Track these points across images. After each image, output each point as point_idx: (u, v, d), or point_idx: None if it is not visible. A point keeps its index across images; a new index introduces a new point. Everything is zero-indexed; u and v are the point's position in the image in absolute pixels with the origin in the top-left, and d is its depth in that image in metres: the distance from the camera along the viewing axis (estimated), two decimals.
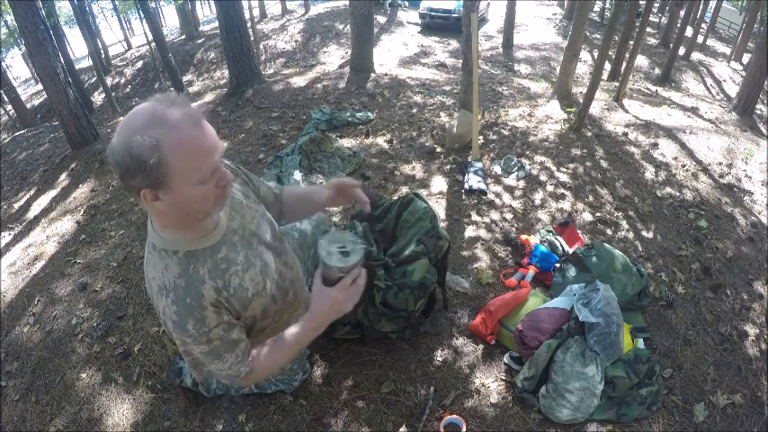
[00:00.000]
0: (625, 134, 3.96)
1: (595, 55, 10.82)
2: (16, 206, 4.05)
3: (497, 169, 3.36)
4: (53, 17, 8.74)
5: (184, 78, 11.38)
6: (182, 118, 0.85)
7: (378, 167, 3.44)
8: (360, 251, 1.09)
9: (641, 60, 10.96)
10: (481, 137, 3.80)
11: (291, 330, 1.15)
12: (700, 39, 13.70)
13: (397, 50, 11.14)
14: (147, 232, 1.04)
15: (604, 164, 3.46)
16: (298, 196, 1.46)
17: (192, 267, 1.01)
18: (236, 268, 1.09)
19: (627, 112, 4.58)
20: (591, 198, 3.06)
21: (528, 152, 3.60)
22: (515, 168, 3.34)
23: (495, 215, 2.87)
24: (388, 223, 1.97)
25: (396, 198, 2.06)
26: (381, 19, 13.57)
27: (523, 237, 2.58)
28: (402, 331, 1.87)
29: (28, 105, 12.04)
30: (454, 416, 1.71)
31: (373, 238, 1.93)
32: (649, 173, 3.41)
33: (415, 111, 4.60)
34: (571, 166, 3.41)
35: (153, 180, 0.86)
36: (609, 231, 2.78)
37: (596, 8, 15.33)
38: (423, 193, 3.10)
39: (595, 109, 4.45)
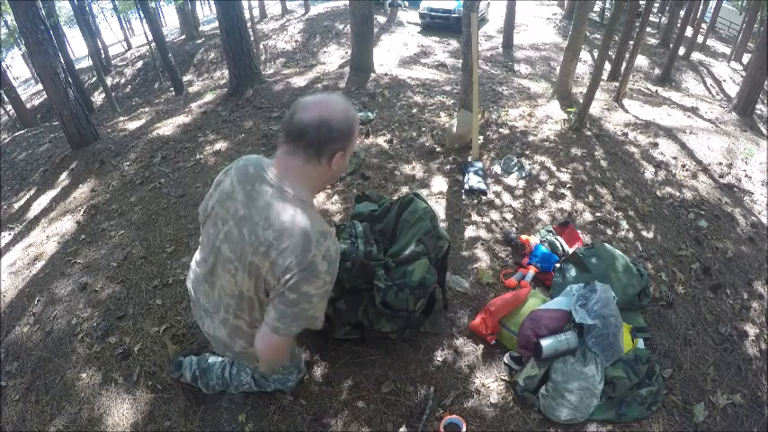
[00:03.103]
0: (625, 134, 3.96)
1: (595, 55, 10.82)
2: (16, 206, 4.05)
3: (497, 169, 3.36)
4: (53, 17, 8.74)
5: (184, 78, 11.38)
6: (355, 111, 1.20)
7: (378, 167, 3.44)
8: None
9: (641, 60, 10.96)
10: (481, 137, 3.80)
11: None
12: (700, 39, 13.71)
13: (397, 50, 11.14)
14: (286, 193, 1.16)
15: (604, 164, 3.46)
16: None
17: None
18: None
19: (627, 112, 4.58)
20: (591, 198, 3.06)
21: (528, 152, 3.60)
22: (515, 168, 3.34)
23: (495, 215, 2.87)
24: (388, 223, 1.97)
25: (396, 198, 2.06)
26: (381, 19, 13.57)
27: (523, 237, 2.58)
28: (402, 331, 1.88)
29: (28, 105, 12.04)
30: (454, 416, 1.71)
31: (373, 239, 1.93)
32: (649, 173, 3.41)
33: (415, 111, 4.60)
34: (571, 165, 3.41)
35: (345, 144, 1.15)
36: (609, 231, 2.78)
37: (596, 8, 15.33)
38: (423, 193, 3.10)
39: (595, 109, 4.45)
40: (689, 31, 12.32)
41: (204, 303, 1.40)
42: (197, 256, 1.44)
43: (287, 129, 1.14)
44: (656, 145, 3.80)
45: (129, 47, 18.58)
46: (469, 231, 2.72)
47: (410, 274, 1.75)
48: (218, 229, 1.27)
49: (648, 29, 13.69)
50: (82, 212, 3.42)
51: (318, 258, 1.13)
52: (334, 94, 1.18)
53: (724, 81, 11.17)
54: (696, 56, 12.69)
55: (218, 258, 1.27)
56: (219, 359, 1.78)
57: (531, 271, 2.34)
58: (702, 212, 3.01)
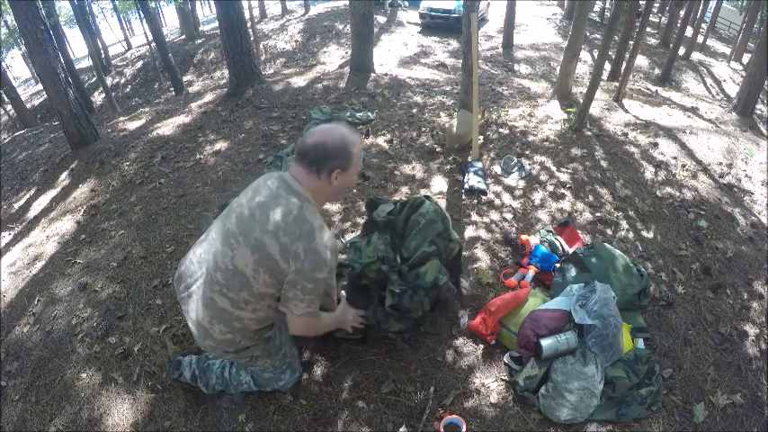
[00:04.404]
0: (625, 134, 3.96)
1: (595, 55, 10.82)
2: (16, 206, 4.05)
3: (497, 169, 3.36)
4: (53, 17, 8.73)
5: (184, 78, 11.38)
6: (357, 138, 1.43)
7: (378, 167, 3.44)
8: None
9: (641, 60, 10.96)
10: (481, 137, 3.80)
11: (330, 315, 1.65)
12: (700, 39, 13.70)
13: (397, 50, 11.14)
14: (296, 190, 1.38)
15: (604, 164, 3.46)
16: None
17: None
18: None
19: (627, 112, 4.58)
20: (591, 198, 3.06)
21: (528, 152, 3.59)
22: (515, 168, 3.34)
23: (495, 215, 2.87)
24: (398, 224, 1.97)
25: (406, 199, 2.06)
26: (381, 19, 13.58)
27: (523, 237, 2.58)
28: (410, 331, 1.88)
29: (28, 105, 12.04)
30: (454, 416, 1.71)
31: (390, 244, 1.93)
32: (649, 173, 3.41)
33: (415, 111, 4.60)
34: (571, 166, 3.41)
35: (344, 163, 1.38)
36: (609, 231, 2.78)
37: (596, 8, 15.33)
38: (423, 193, 3.10)
39: (595, 109, 4.45)
40: (689, 31, 12.32)
41: (191, 286, 1.50)
42: (195, 249, 1.55)
43: (297, 149, 1.40)
44: (656, 145, 3.80)
45: (129, 47, 18.59)
46: (469, 231, 2.72)
47: (423, 275, 1.75)
48: (230, 210, 1.47)
49: (648, 29, 13.69)
50: (82, 212, 3.42)
51: (322, 247, 1.34)
52: (339, 125, 1.42)
53: (724, 81, 11.17)
54: (696, 56, 12.69)
55: (220, 234, 1.43)
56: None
57: (531, 271, 2.33)
58: (702, 212, 3.01)
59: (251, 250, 1.34)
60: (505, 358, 1.93)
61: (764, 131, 5.23)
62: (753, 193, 3.36)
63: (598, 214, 2.91)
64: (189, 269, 1.52)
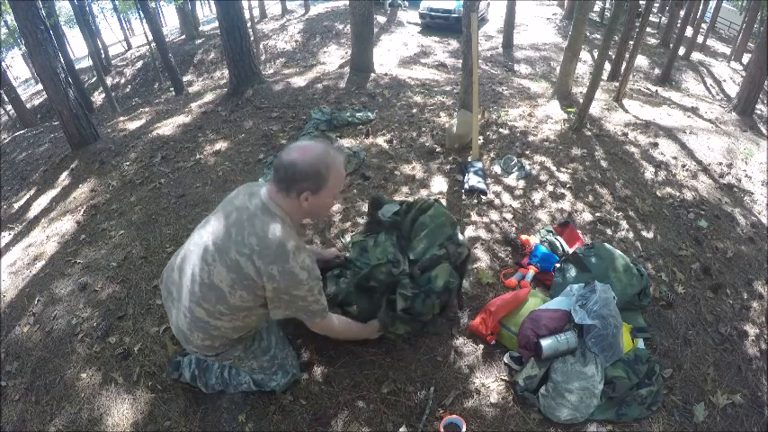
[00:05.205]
0: (625, 134, 3.96)
1: (595, 55, 10.82)
2: (16, 206, 4.05)
3: (497, 169, 3.36)
4: (53, 17, 8.74)
5: (184, 78, 11.38)
6: (341, 159, 1.40)
7: (378, 167, 3.44)
8: None
9: (641, 60, 10.96)
10: (481, 137, 3.80)
11: (358, 324, 1.75)
12: (700, 39, 13.71)
13: (397, 50, 11.15)
14: (271, 210, 1.37)
15: (604, 164, 3.46)
16: None
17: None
18: None
19: (627, 112, 4.58)
20: (591, 198, 3.06)
21: (528, 152, 3.59)
22: (515, 168, 3.34)
23: (494, 215, 2.87)
24: (404, 226, 1.97)
25: (412, 201, 2.05)
26: (381, 19, 13.58)
27: (523, 237, 2.58)
28: (417, 333, 1.88)
29: (28, 105, 12.04)
30: (454, 416, 1.71)
31: (397, 245, 1.93)
32: (649, 173, 3.41)
33: (415, 111, 4.60)
34: (571, 166, 3.41)
35: (315, 186, 1.34)
36: (609, 231, 2.78)
37: (596, 8, 15.33)
38: (423, 193, 3.11)
39: (595, 109, 4.45)
40: (689, 31, 12.32)
41: (173, 292, 1.52)
42: (177, 255, 1.57)
43: (274, 165, 1.38)
44: (656, 145, 3.80)
45: (129, 47, 18.60)
46: (469, 231, 2.72)
47: (434, 279, 1.76)
48: (209, 223, 1.47)
49: (648, 29, 13.69)
50: (82, 212, 3.42)
51: (297, 269, 1.33)
52: (321, 144, 1.38)
53: (724, 81, 11.17)
54: (696, 56, 12.69)
55: (198, 246, 1.43)
56: None
57: (531, 271, 2.33)
58: (702, 212, 3.01)
59: (227, 269, 1.34)
60: (505, 358, 1.93)
61: (764, 131, 5.23)
62: (753, 193, 3.36)
63: (598, 214, 2.91)
64: (171, 276, 1.54)
